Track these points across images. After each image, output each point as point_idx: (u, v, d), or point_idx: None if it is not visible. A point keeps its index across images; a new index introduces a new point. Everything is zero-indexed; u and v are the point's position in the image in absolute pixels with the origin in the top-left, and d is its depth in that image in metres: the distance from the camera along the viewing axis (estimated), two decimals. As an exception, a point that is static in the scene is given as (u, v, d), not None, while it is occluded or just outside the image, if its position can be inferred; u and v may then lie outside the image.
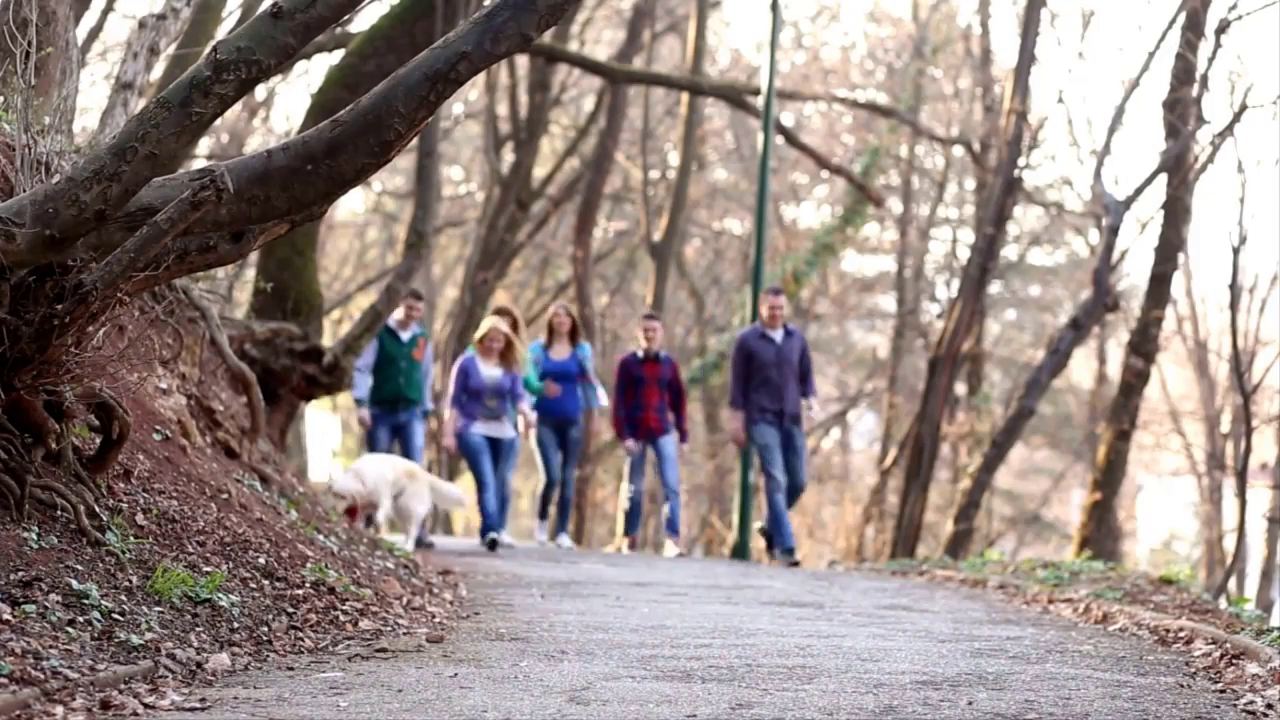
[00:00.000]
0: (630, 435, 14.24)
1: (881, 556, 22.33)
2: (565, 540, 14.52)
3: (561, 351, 14.23)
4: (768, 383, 13.53)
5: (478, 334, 13.46)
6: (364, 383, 13.88)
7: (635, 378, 14.23)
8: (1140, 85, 21.66)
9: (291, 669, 5.44)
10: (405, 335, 14.00)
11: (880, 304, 32.78)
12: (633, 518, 15.03)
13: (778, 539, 13.62)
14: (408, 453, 13.87)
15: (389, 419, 13.93)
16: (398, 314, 13.95)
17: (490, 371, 13.28)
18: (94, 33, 17.94)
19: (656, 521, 32.11)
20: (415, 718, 4.54)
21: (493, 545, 12.99)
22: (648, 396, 14.17)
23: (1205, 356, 29.04)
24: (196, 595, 5.90)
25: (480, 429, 13.33)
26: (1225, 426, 27.71)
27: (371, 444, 13.97)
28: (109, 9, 18.78)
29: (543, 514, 14.74)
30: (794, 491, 13.80)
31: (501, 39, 5.99)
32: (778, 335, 13.66)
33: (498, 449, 13.40)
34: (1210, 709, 5.00)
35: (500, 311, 14.02)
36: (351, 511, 12.07)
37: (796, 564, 13.44)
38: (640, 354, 14.34)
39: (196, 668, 5.19)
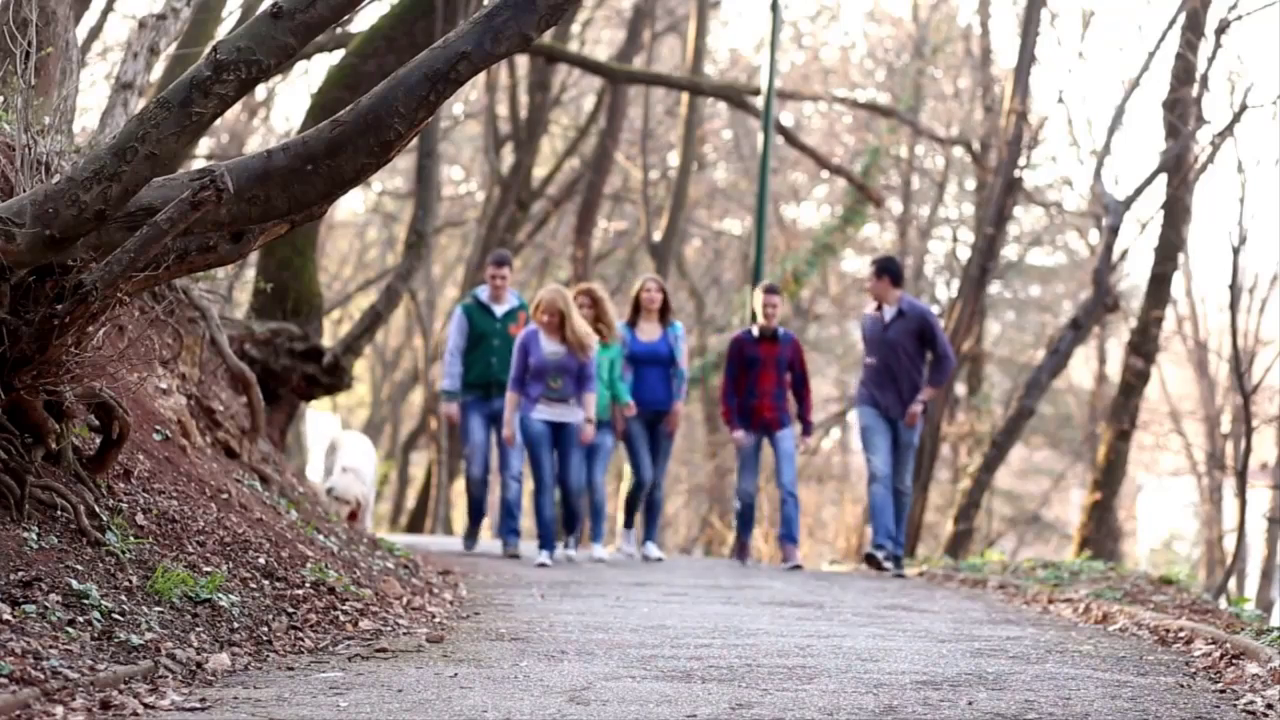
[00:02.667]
0: (743, 426, 12.24)
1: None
2: (653, 550, 12.48)
3: (651, 332, 12.45)
4: (875, 367, 11.83)
5: (533, 304, 11.60)
6: (453, 370, 12.22)
7: (748, 359, 12.23)
8: (1140, 85, 21.70)
9: (291, 669, 5.43)
10: (500, 309, 12.27)
11: (880, 304, 32.75)
12: (745, 522, 12.70)
13: (873, 537, 11.88)
14: (501, 449, 12.01)
15: (483, 406, 12.11)
16: (485, 287, 12.40)
17: (553, 347, 11.29)
18: (94, 33, 17.96)
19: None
20: (415, 718, 4.54)
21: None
22: (763, 381, 12.19)
23: (1205, 356, 29.05)
24: (196, 595, 5.90)
25: (543, 413, 11.33)
26: (1225, 426, 27.72)
27: (464, 436, 12.28)
28: (109, 9, 18.80)
29: (629, 521, 12.92)
30: (896, 493, 11.91)
31: (501, 39, 5.99)
32: (888, 314, 11.85)
33: (563, 436, 11.40)
34: (1210, 709, 5.00)
35: (581, 293, 12.02)
36: (353, 515, 11.63)
37: (879, 566, 11.71)
38: (755, 331, 12.34)
39: (196, 668, 5.19)
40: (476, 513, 12.60)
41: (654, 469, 12.48)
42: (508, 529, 11.92)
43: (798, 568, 12.09)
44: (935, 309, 30.81)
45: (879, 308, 11.89)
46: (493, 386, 12.07)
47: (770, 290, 12.53)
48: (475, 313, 12.25)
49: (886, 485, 11.75)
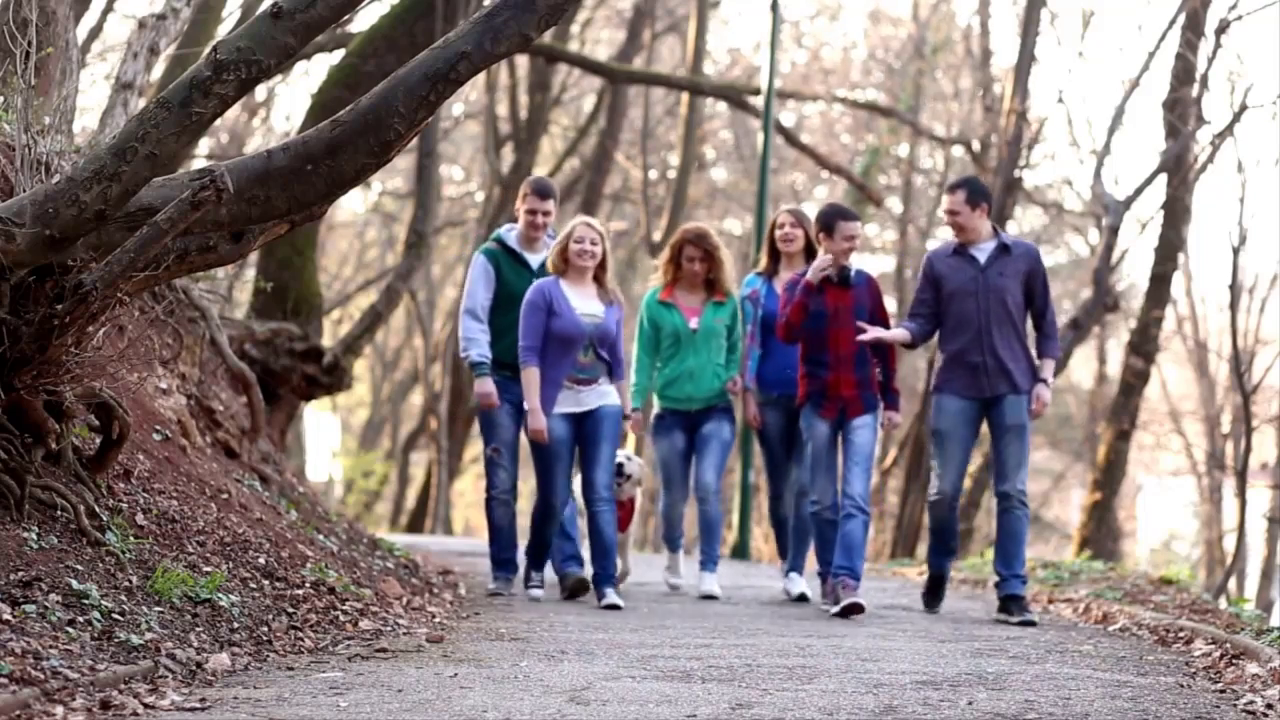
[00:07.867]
0: (814, 410, 8.61)
1: (881, 556, 22.33)
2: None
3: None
4: (964, 324, 8.34)
5: (560, 236, 8.60)
6: (481, 337, 8.86)
7: (812, 313, 8.58)
8: (1140, 85, 21.63)
9: (291, 669, 5.44)
10: (535, 258, 8.98)
11: (880, 304, 32.72)
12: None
13: (932, 567, 8.92)
14: (538, 455, 8.68)
15: (514, 391, 8.76)
16: (518, 226, 9.10)
17: (590, 306, 8.31)
18: (94, 33, 17.94)
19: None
20: (415, 718, 4.54)
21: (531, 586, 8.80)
22: (836, 343, 8.56)
23: (1205, 356, 29.04)
24: (196, 595, 5.90)
25: (565, 404, 8.34)
26: (1225, 426, 27.71)
27: (487, 431, 8.97)
28: (109, 9, 18.78)
29: (782, 552, 9.54)
30: (1003, 498, 8.43)
31: (501, 39, 6.00)
32: (983, 251, 8.38)
33: (590, 427, 8.39)
34: (1210, 709, 5.00)
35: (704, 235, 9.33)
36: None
37: (933, 610, 8.73)
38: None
39: (196, 668, 5.19)
40: (508, 540, 9.18)
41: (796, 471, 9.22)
42: (565, 555, 9.14)
43: (858, 608, 8.20)
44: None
45: (960, 247, 8.44)
46: None
47: (844, 217, 8.82)
48: (504, 263, 9.01)
49: (954, 507, 8.67)
